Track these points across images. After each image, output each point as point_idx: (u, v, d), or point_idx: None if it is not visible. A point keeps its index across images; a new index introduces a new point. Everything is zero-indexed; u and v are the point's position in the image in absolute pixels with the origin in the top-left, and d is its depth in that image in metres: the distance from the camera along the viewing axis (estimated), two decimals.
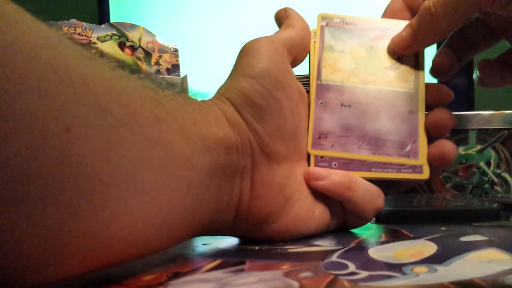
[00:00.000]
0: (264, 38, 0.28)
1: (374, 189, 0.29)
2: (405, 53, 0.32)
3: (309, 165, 0.29)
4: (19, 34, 0.15)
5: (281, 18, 0.31)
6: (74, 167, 0.16)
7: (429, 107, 0.31)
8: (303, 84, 0.31)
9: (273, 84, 0.26)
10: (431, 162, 0.30)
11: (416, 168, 0.29)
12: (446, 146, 0.29)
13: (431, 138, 0.30)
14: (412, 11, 0.33)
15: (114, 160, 0.17)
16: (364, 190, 0.28)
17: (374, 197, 0.29)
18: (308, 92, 0.31)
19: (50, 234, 0.16)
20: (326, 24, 0.32)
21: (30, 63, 0.15)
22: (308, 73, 0.32)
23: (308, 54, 0.31)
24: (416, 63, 0.32)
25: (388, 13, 0.34)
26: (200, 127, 0.23)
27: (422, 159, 0.29)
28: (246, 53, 0.28)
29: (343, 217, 0.29)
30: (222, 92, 0.27)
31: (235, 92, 0.26)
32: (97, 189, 0.17)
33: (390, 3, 0.34)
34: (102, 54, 0.20)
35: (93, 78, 0.17)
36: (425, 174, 0.29)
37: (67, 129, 0.16)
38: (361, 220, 0.29)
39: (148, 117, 0.19)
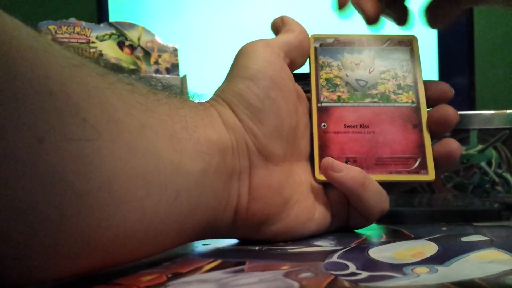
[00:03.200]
0: (260, 41, 0.28)
1: (382, 191, 0.29)
2: (374, 17, 0.31)
3: (312, 165, 0.29)
4: None
5: (278, 26, 0.31)
6: (44, 178, 0.16)
7: (430, 105, 0.31)
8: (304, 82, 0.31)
9: (268, 85, 0.26)
10: (436, 161, 0.30)
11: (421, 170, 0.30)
12: (452, 144, 0.29)
13: (435, 136, 0.30)
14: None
15: (89, 171, 0.17)
16: (375, 190, 0.28)
17: (382, 199, 0.28)
18: (307, 93, 0.31)
19: (17, 243, 0.16)
20: (320, 45, 0.32)
21: (6, 75, 0.15)
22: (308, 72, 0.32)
23: (308, 59, 0.32)
24: (414, 75, 0.32)
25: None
26: (192, 131, 0.23)
27: (431, 174, 0.29)
28: (242, 55, 0.28)
29: (345, 217, 0.29)
30: (218, 94, 0.27)
31: (231, 93, 0.26)
32: (68, 198, 0.17)
33: None
34: (94, 59, 0.20)
35: (76, 87, 0.17)
36: (431, 175, 0.30)
37: (39, 141, 0.16)
38: (365, 221, 0.29)
39: (132, 125, 0.19)
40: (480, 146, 0.50)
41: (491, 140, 0.50)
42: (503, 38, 1.00)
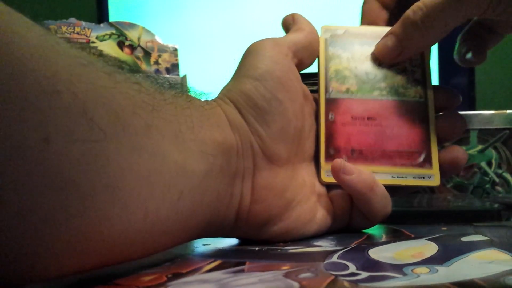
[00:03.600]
0: (269, 40, 0.28)
1: (387, 195, 0.29)
2: (391, 63, 0.31)
3: (316, 166, 0.29)
4: (5, 46, 0.15)
5: (289, 24, 0.31)
6: (51, 178, 0.16)
7: (437, 110, 0.31)
8: (311, 82, 0.31)
9: (276, 86, 0.26)
10: (443, 167, 0.30)
11: (427, 175, 0.30)
12: (458, 152, 0.30)
13: (441, 141, 0.30)
14: (387, 9, 0.33)
15: (94, 171, 0.17)
16: (382, 194, 0.28)
17: (387, 203, 0.28)
18: (314, 93, 0.31)
19: (21, 242, 0.16)
20: (330, 36, 0.32)
21: (14, 74, 0.15)
22: (317, 71, 0.32)
23: (317, 58, 0.31)
24: (423, 70, 0.32)
25: (367, 15, 0.34)
26: (198, 132, 0.22)
27: (435, 169, 0.30)
28: (250, 53, 0.27)
29: (346, 219, 0.29)
30: (225, 93, 0.26)
31: (238, 93, 0.26)
32: (73, 198, 0.17)
33: (364, 4, 0.34)
34: (101, 57, 0.20)
35: (83, 86, 0.17)
36: (436, 181, 0.30)
37: (46, 141, 0.16)
38: (368, 223, 0.29)
39: (138, 125, 0.19)
40: (480, 146, 0.50)
41: (491, 140, 0.50)
42: (503, 38, 1.00)
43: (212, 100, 0.26)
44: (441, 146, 0.31)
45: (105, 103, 0.18)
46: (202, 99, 0.26)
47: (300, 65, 0.29)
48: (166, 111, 0.21)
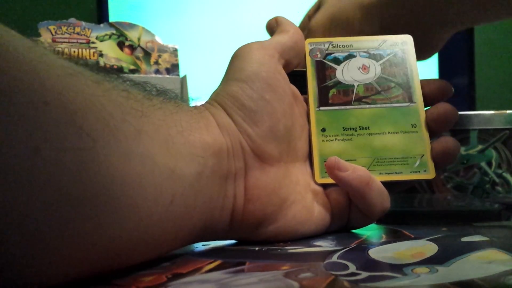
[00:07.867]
0: (255, 43, 0.29)
1: (385, 190, 0.29)
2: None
3: (311, 166, 0.29)
4: None
5: (273, 27, 0.31)
6: (41, 188, 0.16)
7: (430, 103, 0.31)
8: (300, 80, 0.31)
9: (262, 87, 0.26)
10: (435, 159, 0.30)
11: (422, 169, 0.30)
12: (449, 142, 0.30)
13: (434, 133, 0.31)
14: None
15: (85, 179, 0.17)
16: (378, 189, 0.28)
17: (385, 198, 0.28)
18: (304, 95, 0.31)
19: (13, 252, 0.16)
20: (315, 49, 0.33)
21: (2, 87, 0.15)
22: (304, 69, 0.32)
23: (304, 60, 0.32)
24: (410, 75, 0.32)
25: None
26: (188, 135, 0.23)
27: (429, 161, 0.30)
28: (236, 57, 0.28)
29: (345, 218, 0.29)
30: (213, 97, 0.27)
31: (225, 96, 0.26)
32: (65, 207, 0.17)
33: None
34: (90, 66, 0.20)
35: (72, 96, 0.17)
36: (432, 174, 0.30)
37: (36, 151, 0.16)
38: (367, 220, 0.29)
39: (128, 131, 0.19)
40: (480, 146, 0.50)
41: (491, 140, 0.50)
42: (503, 38, 1.00)
43: (200, 105, 0.27)
44: (436, 137, 0.31)
45: (94, 111, 0.18)
46: (191, 105, 0.26)
47: (288, 65, 0.30)
48: (155, 116, 0.22)
